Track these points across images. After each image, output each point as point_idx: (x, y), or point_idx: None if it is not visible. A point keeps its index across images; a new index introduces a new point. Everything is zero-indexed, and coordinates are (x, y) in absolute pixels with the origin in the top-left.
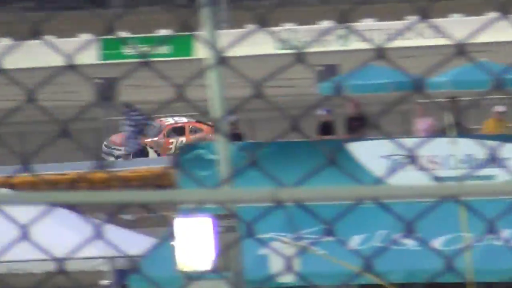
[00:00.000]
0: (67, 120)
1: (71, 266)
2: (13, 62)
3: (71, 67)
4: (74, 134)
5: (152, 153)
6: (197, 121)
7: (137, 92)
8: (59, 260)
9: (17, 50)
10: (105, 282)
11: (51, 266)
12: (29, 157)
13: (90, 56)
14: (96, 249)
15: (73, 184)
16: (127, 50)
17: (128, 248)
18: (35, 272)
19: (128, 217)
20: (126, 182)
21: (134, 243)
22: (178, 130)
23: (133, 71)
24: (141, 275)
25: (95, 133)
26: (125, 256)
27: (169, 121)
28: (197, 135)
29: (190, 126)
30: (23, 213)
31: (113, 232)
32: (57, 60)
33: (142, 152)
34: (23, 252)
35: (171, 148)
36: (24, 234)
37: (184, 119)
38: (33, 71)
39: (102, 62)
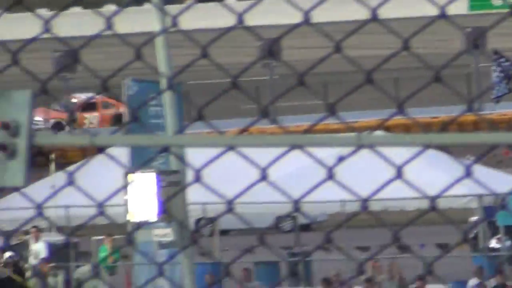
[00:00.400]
0: (440, 66)
1: (442, 203)
2: (388, 12)
3: (443, 17)
4: (445, 79)
5: (67, 128)
6: (109, 97)
7: (505, 40)
8: (431, 198)
9: (393, 2)
10: (474, 218)
11: (422, 204)
12: (403, 101)
13: (460, 7)
14: (465, 188)
15: (444, 126)
16: (496, 1)
17: (495, 187)
18: (407, 210)
19: (495, 157)
20: (494, 125)
21: (501, 181)
22: (91, 106)
23: (502, 20)
24: (508, 212)
25: (465, 78)
26: (492, 194)
27: (81, 97)
28: (109, 110)
29: (102, 102)
30: (396, 154)
31: (481, 171)
32: (430, 11)
33: (60, 126)
34: (396, 191)
35: (85, 123)
36: (399, 174)
37: (95, 95)
38: (408, 21)
39: (471, 12)
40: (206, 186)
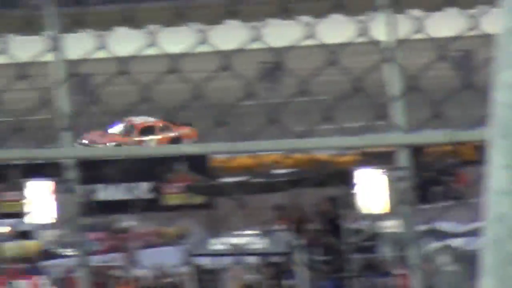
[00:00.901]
0: None
1: None
2: None
3: None
4: None
5: None
6: (165, 120)
7: None
8: None
9: None
10: None
11: None
12: None
13: None
14: None
15: None
16: None
17: None
18: None
19: None
20: None
21: None
22: (149, 129)
23: None
24: None
25: None
26: None
27: (138, 120)
28: (167, 133)
29: (160, 125)
30: None
31: None
32: None
33: None
34: None
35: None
36: None
37: (151, 119)
38: None
39: None
40: None
